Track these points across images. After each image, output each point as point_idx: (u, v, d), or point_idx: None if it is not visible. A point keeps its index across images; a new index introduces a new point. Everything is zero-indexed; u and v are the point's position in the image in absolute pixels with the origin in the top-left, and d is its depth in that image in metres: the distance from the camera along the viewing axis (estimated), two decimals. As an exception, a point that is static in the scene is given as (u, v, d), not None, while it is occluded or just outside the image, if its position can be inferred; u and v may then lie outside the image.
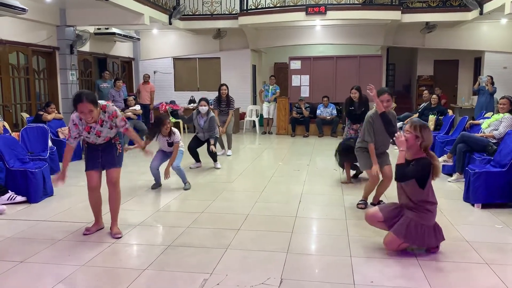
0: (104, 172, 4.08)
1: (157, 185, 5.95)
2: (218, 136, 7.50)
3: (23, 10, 7.67)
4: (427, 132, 3.48)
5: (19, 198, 5.11)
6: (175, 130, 5.88)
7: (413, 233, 3.46)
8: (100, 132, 3.88)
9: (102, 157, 3.98)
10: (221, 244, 3.82)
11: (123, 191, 5.47)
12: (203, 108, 7.26)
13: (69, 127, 3.93)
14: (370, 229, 4.04)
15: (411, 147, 3.50)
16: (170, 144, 5.86)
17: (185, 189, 5.80)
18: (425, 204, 3.48)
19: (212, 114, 7.36)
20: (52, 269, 3.35)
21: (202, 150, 7.40)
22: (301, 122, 11.72)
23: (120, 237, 4.02)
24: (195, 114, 7.39)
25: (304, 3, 11.24)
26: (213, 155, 7.32)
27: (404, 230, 3.47)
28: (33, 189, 5.16)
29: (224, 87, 8.58)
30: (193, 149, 7.36)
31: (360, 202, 4.97)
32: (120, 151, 4.07)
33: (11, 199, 5.07)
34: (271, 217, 4.63)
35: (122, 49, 12.87)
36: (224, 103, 8.55)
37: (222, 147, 8.71)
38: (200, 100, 7.38)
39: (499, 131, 5.87)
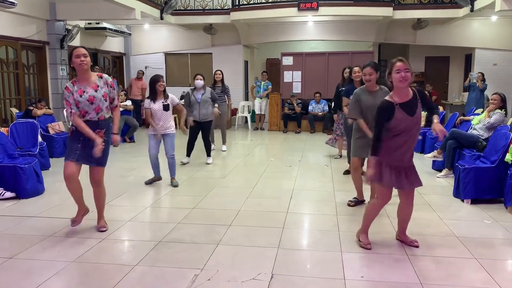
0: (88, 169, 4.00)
1: (152, 181, 5.85)
2: (213, 119, 7.31)
3: (12, 3, 7.58)
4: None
5: (8, 194, 5.06)
6: (171, 94, 5.77)
7: (417, 174, 3.55)
8: (93, 98, 3.77)
9: (81, 149, 3.82)
10: (212, 240, 3.82)
11: (114, 187, 5.48)
12: (199, 82, 7.11)
13: (65, 99, 3.80)
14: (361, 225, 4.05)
15: (408, 85, 3.35)
16: (167, 107, 5.64)
17: (174, 186, 5.74)
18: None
19: (208, 88, 7.28)
20: (42, 265, 3.33)
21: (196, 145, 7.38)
22: (293, 118, 11.73)
23: (104, 230, 4.02)
24: (190, 92, 7.21)
25: (296, -1, 11.24)
26: (208, 148, 7.26)
27: (418, 177, 3.53)
28: (23, 185, 5.10)
29: (219, 71, 8.54)
30: (192, 141, 7.21)
31: (352, 199, 4.92)
32: (103, 150, 3.88)
33: (0, 195, 5.02)
34: (263, 212, 4.64)
35: (113, 44, 12.77)
36: (219, 88, 8.45)
37: (212, 141, 8.66)
38: (196, 74, 7.25)
39: (490, 120, 5.93)
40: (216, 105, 7.31)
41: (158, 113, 5.66)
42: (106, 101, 3.87)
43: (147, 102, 5.67)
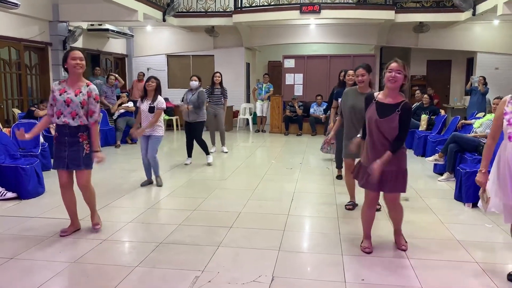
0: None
1: (147, 182, 5.88)
2: (205, 119, 7.43)
3: (15, 4, 7.60)
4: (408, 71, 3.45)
5: (10, 194, 5.07)
6: (161, 97, 5.76)
7: (402, 180, 3.47)
8: (70, 101, 3.71)
9: (68, 156, 3.80)
10: (213, 241, 3.82)
11: (115, 188, 5.49)
12: (194, 83, 7.22)
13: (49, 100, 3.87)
14: (361, 228, 4.05)
15: (397, 88, 3.38)
16: (151, 110, 5.62)
17: (158, 186, 5.76)
18: (402, 148, 3.46)
19: (201, 89, 7.32)
20: (43, 265, 3.33)
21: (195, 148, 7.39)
22: (295, 120, 11.74)
23: (99, 228, 4.05)
24: (185, 92, 7.37)
25: (298, 2, 11.24)
26: (204, 146, 7.27)
27: (400, 183, 3.45)
28: (24, 186, 5.12)
29: (218, 73, 8.54)
30: (189, 141, 7.28)
31: (348, 203, 4.90)
32: (88, 152, 3.84)
33: (1, 195, 5.03)
34: (264, 215, 4.64)
35: (116, 46, 12.79)
36: (218, 90, 8.45)
37: (213, 143, 8.68)
38: (192, 75, 7.35)
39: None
40: (191, 106, 7.13)
41: (144, 114, 5.74)
42: (83, 108, 3.76)
43: (138, 101, 5.81)
